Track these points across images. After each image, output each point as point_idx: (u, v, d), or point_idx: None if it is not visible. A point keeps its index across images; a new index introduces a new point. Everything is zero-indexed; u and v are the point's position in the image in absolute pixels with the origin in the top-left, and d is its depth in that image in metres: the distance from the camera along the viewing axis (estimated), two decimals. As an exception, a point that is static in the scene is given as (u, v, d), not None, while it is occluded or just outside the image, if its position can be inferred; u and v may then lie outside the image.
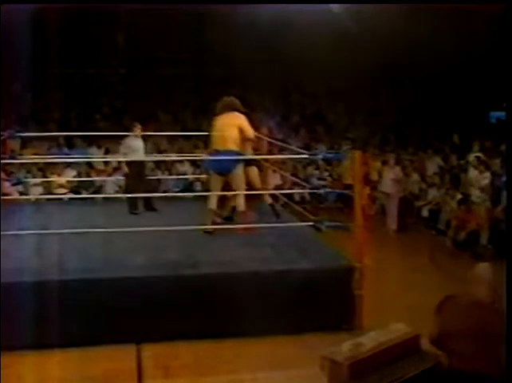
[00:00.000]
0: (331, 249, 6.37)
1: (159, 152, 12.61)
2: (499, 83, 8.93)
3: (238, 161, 6.74)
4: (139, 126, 8.28)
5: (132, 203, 7.93)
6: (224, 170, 6.75)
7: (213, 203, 6.84)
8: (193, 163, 12.71)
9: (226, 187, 6.86)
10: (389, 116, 16.63)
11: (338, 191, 10.34)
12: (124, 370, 4.93)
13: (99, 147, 12.92)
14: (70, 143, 13.31)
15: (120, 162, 9.28)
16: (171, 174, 12.25)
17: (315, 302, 5.60)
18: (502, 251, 7.54)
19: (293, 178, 11.14)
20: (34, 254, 5.87)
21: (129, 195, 7.94)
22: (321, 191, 9.16)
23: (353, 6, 12.84)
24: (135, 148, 8.16)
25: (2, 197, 8.30)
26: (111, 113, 15.69)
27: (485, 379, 3.24)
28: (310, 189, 10.40)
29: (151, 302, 5.35)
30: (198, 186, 12.16)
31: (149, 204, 8.07)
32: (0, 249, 5.68)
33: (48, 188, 11.38)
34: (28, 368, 4.85)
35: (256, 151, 7.52)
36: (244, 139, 6.87)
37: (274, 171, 10.63)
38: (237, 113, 6.89)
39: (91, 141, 13.11)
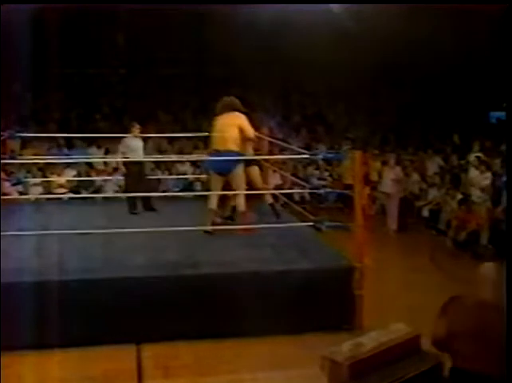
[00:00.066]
0: (331, 249, 6.37)
1: (160, 152, 12.60)
2: (499, 83, 8.93)
3: (238, 161, 6.74)
4: (138, 126, 8.28)
5: (132, 203, 7.93)
6: (224, 170, 6.75)
7: (213, 203, 6.83)
8: (193, 163, 12.71)
9: (227, 187, 6.86)
10: (389, 116, 16.62)
11: (338, 191, 10.34)
12: (124, 370, 4.93)
13: (99, 147, 12.91)
14: (70, 143, 13.30)
15: (118, 162, 9.28)
16: (171, 174, 12.24)
17: (315, 302, 5.60)
18: (503, 251, 7.55)
19: (294, 178, 11.14)
20: (34, 254, 5.87)
21: (129, 195, 7.95)
22: (321, 191, 9.15)
23: (353, 6, 12.83)
24: (133, 147, 8.15)
25: (2, 197, 8.30)
26: (111, 113, 15.67)
27: (491, 380, 3.22)
28: (310, 189, 10.40)
29: (151, 302, 5.35)
30: (198, 186, 12.16)
31: (148, 204, 8.07)
32: (0, 249, 5.67)
33: (48, 188, 11.38)
34: (28, 368, 4.85)
35: (256, 151, 7.52)
36: (244, 139, 6.87)
37: (274, 171, 10.63)
38: (237, 113, 6.89)
39: (91, 141, 13.09)
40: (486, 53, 14.87)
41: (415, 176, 12.22)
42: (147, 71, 16.87)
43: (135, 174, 8.02)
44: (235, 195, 6.87)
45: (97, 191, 11.56)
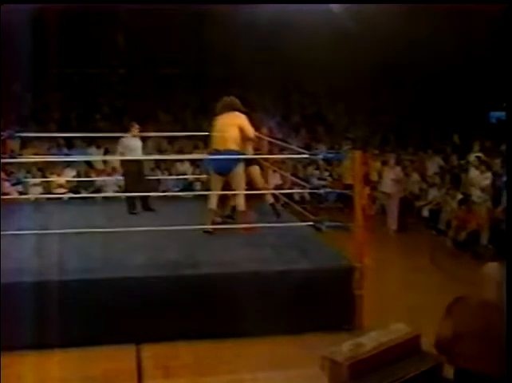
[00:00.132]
0: (331, 249, 6.37)
1: (160, 151, 12.59)
2: (499, 83, 8.93)
3: (238, 161, 6.73)
4: (137, 126, 8.27)
5: (131, 203, 7.93)
6: (224, 170, 6.75)
7: (213, 203, 6.83)
8: (193, 162, 12.71)
9: (227, 186, 6.86)
10: (389, 116, 16.63)
11: (338, 191, 10.34)
12: (124, 370, 4.93)
13: (98, 147, 12.92)
14: (70, 143, 13.31)
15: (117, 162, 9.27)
16: (170, 174, 12.24)
17: (315, 302, 5.60)
18: (503, 251, 7.54)
19: (293, 178, 11.14)
20: (34, 254, 5.86)
21: (128, 195, 7.94)
22: (321, 191, 9.17)
23: (353, 6, 12.84)
24: (132, 147, 8.13)
25: (2, 197, 8.30)
26: (111, 113, 15.68)
27: (496, 380, 3.21)
28: (310, 189, 10.40)
29: (151, 302, 5.35)
30: (197, 186, 12.16)
31: (146, 204, 8.07)
32: (0, 249, 5.67)
33: (47, 188, 11.37)
34: (28, 368, 4.85)
35: (256, 150, 7.52)
36: (244, 138, 6.87)
37: (274, 171, 10.63)
38: (237, 113, 6.89)
39: (90, 141, 13.10)
40: (486, 53, 14.87)
41: (415, 176, 12.22)
42: (147, 71, 16.89)
43: (134, 174, 8.01)
44: (235, 194, 6.87)
45: (97, 190, 11.57)
